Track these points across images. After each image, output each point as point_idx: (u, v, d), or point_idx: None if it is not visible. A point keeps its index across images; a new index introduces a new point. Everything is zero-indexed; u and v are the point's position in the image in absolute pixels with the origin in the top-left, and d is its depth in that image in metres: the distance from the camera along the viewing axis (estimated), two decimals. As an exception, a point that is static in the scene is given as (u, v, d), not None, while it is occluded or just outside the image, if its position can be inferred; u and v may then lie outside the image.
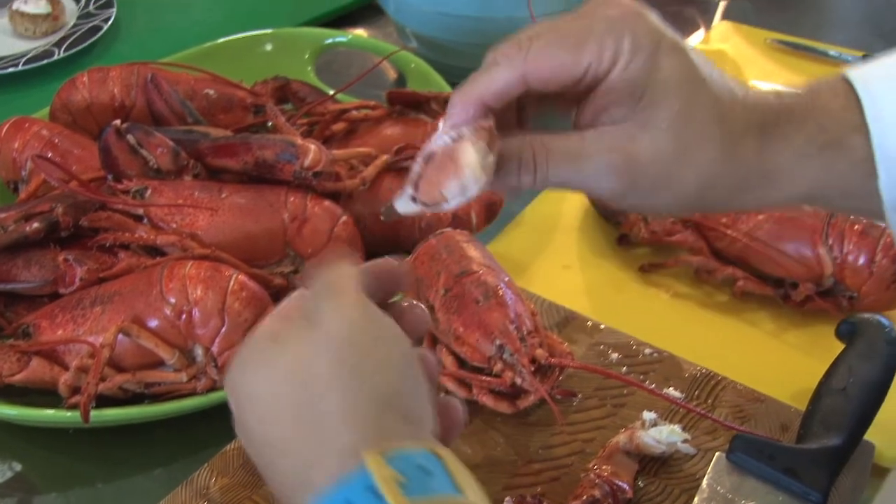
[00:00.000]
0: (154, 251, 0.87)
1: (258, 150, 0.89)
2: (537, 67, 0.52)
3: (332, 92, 1.12)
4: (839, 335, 0.77)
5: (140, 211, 0.88)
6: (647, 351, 0.83)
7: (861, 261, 0.85)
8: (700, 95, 0.53)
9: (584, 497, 0.68)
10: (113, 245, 0.86)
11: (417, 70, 1.17)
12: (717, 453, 0.71)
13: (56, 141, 0.99)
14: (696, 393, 0.79)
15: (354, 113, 1.06)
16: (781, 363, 0.84)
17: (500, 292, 0.79)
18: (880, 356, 0.73)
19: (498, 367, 0.76)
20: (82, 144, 0.99)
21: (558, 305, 0.87)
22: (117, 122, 0.90)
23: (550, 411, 0.75)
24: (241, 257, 0.86)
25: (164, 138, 0.91)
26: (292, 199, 0.89)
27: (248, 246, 0.87)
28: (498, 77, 0.52)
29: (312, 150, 0.89)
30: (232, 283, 0.80)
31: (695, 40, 1.37)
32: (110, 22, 1.33)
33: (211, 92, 1.07)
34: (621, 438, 0.72)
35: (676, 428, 0.73)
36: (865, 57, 1.12)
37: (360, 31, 1.40)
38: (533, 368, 0.75)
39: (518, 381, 0.75)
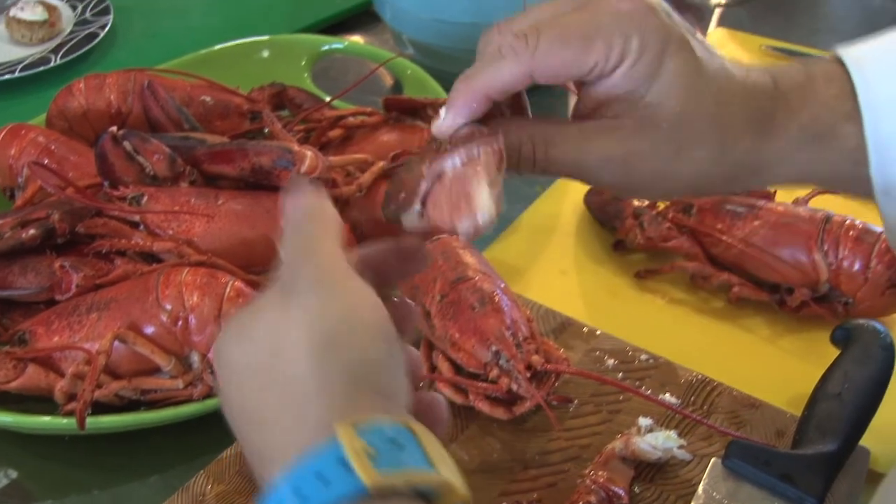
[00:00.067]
0: (150, 258, 0.87)
1: (255, 157, 0.89)
2: (545, 64, 0.51)
3: (328, 98, 1.12)
4: (834, 341, 0.78)
5: (136, 217, 0.88)
6: (643, 357, 0.83)
7: (856, 267, 0.85)
8: (701, 96, 0.53)
9: (581, 503, 0.68)
10: (109, 252, 0.86)
11: (414, 76, 1.17)
12: (712, 459, 0.71)
13: (52, 147, 0.99)
14: (692, 399, 0.79)
15: (351, 119, 1.06)
16: (777, 369, 0.85)
17: (496, 298, 0.79)
18: (875, 362, 0.73)
19: (494, 373, 0.76)
20: (79, 151, 0.99)
21: (554, 311, 0.87)
22: (114, 128, 0.90)
23: (547, 417, 0.75)
24: (237, 264, 0.86)
25: (160, 145, 0.91)
26: (289, 205, 0.89)
27: (244, 252, 0.87)
28: (504, 71, 0.52)
29: (309, 157, 0.89)
30: (228, 289, 0.80)
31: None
32: (107, 28, 1.33)
33: (207, 98, 1.07)
34: (617, 444, 0.73)
35: (672, 434, 0.73)
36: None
37: (357, 38, 1.40)
38: (529, 374, 0.75)
39: (514, 387, 0.75)
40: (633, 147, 0.53)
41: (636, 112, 0.53)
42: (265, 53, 1.23)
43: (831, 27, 1.45)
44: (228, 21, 1.43)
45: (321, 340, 0.43)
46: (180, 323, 0.78)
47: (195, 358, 0.79)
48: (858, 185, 0.56)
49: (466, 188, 0.50)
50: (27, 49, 1.31)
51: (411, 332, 0.52)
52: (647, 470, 0.73)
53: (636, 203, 0.97)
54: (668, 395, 0.79)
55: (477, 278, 0.81)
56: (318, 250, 0.46)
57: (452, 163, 0.50)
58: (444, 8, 1.16)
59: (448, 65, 1.19)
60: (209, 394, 0.80)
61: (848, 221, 0.87)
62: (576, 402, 0.79)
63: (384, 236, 0.51)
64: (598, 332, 0.85)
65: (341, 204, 0.92)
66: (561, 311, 0.87)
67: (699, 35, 0.54)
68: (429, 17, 1.19)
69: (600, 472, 0.71)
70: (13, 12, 1.33)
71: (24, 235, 0.85)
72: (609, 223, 0.98)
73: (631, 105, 0.53)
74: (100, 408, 0.77)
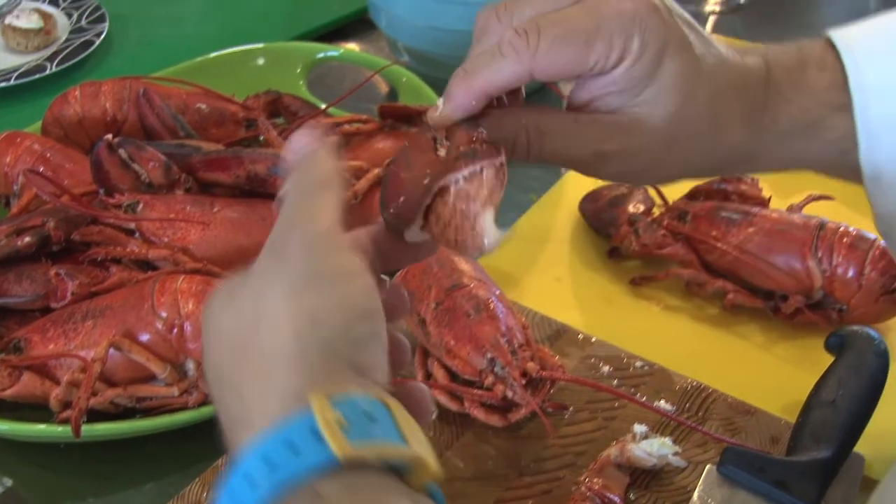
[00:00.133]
0: (146, 265, 0.87)
1: (250, 164, 0.89)
2: (545, 65, 0.51)
3: (323, 106, 1.13)
4: (828, 348, 0.78)
5: (132, 225, 0.88)
6: (638, 364, 0.83)
7: (850, 273, 0.86)
8: (697, 95, 0.54)
9: (576, 510, 0.69)
10: (104, 259, 0.86)
11: (409, 84, 1.17)
12: (707, 466, 0.71)
13: (48, 155, 0.99)
14: (687, 405, 0.79)
15: (346, 127, 1.06)
16: (771, 375, 0.85)
17: (492, 305, 0.79)
18: (869, 368, 0.73)
19: (489, 380, 0.76)
20: (74, 159, 0.99)
21: (549, 318, 0.87)
22: (109, 136, 0.90)
23: (542, 424, 0.75)
24: (233, 271, 0.86)
25: (155, 152, 0.91)
26: (284, 213, 0.89)
27: (239, 260, 0.86)
28: (504, 71, 0.52)
29: (304, 164, 0.89)
30: (223, 297, 0.80)
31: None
32: (102, 36, 1.33)
33: (203, 106, 1.07)
34: (612, 451, 0.73)
35: (667, 441, 0.73)
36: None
37: (352, 46, 1.41)
38: (524, 381, 0.75)
39: (509, 394, 0.75)
40: (626, 143, 0.54)
41: (631, 108, 0.53)
42: (260, 61, 1.23)
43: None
44: (224, 29, 1.43)
45: (304, 313, 0.42)
46: (176, 330, 0.78)
47: (191, 365, 0.79)
48: (844, 172, 0.58)
49: (472, 210, 0.50)
50: (23, 57, 1.31)
51: (401, 317, 0.51)
52: (643, 477, 0.73)
53: (631, 210, 0.97)
54: (663, 401, 0.79)
55: (472, 285, 0.81)
56: (314, 217, 0.45)
57: (456, 179, 0.50)
58: (440, 16, 1.17)
59: (443, 72, 1.18)
60: (204, 401, 0.80)
61: (842, 228, 0.87)
62: (571, 409, 0.79)
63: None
64: (594, 339, 0.85)
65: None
66: (556, 318, 0.87)
67: (698, 27, 0.55)
68: (424, 25, 1.19)
69: (595, 479, 0.71)
70: (9, 20, 1.33)
71: (19, 243, 0.85)
72: (604, 230, 0.99)
73: (627, 101, 0.53)
74: (95, 415, 0.77)
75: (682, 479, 0.73)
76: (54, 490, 0.79)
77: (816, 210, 0.93)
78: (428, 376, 0.80)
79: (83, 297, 0.84)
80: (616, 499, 0.69)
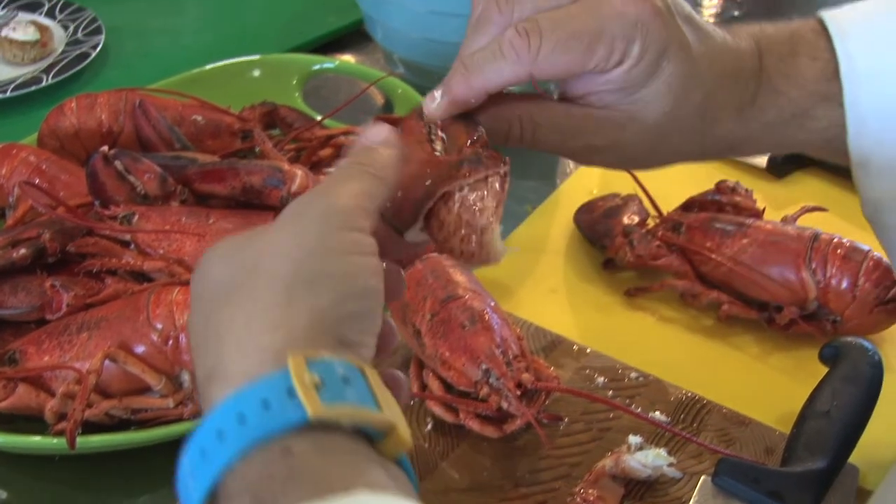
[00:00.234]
0: (141, 277, 0.87)
1: (245, 176, 0.90)
2: (545, 67, 0.52)
3: (319, 117, 1.13)
4: (823, 358, 0.78)
5: (127, 237, 0.88)
6: (633, 375, 0.83)
7: (844, 284, 0.86)
8: (691, 95, 0.54)
9: (571, 521, 0.69)
10: (100, 271, 0.86)
11: (404, 96, 1.17)
12: (702, 477, 0.71)
13: (44, 167, 0.99)
14: (682, 416, 0.79)
15: (342, 138, 1.06)
16: (766, 386, 0.85)
17: (486, 317, 0.79)
18: (863, 379, 0.73)
19: (484, 391, 0.76)
20: (70, 170, 0.99)
21: (544, 330, 0.87)
22: (105, 148, 0.90)
23: (537, 435, 0.75)
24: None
25: (151, 164, 0.91)
26: (279, 224, 0.89)
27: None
28: (505, 72, 0.52)
29: (299, 176, 0.89)
30: (219, 308, 0.80)
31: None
32: (98, 48, 1.33)
33: (199, 118, 1.07)
34: (607, 462, 0.73)
35: (662, 452, 0.73)
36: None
37: (348, 57, 1.41)
38: (519, 393, 0.75)
39: (504, 405, 0.75)
40: (618, 138, 0.55)
41: (625, 106, 0.54)
42: (256, 73, 1.23)
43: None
44: (220, 41, 1.43)
45: (302, 276, 0.42)
46: (171, 342, 0.78)
47: (186, 377, 0.79)
48: (828, 155, 0.60)
49: (478, 222, 0.50)
50: (19, 69, 1.31)
51: (396, 300, 0.51)
52: (637, 488, 0.73)
53: (626, 221, 0.97)
54: (657, 412, 0.79)
55: (467, 297, 0.81)
56: (342, 194, 0.45)
57: (461, 187, 0.50)
58: (435, 28, 1.17)
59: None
60: (200, 413, 0.79)
61: (836, 240, 0.88)
62: (566, 420, 0.79)
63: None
64: (588, 350, 0.85)
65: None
66: (551, 329, 0.88)
67: (696, 19, 0.55)
68: (420, 37, 1.20)
69: (590, 490, 0.71)
70: (5, 32, 1.33)
71: (14, 255, 0.85)
72: (599, 241, 0.99)
73: (621, 98, 0.54)
74: (90, 427, 0.77)
75: (677, 491, 0.73)
76: (49, 502, 0.78)
77: (810, 221, 0.94)
78: (423, 387, 0.80)
79: (78, 308, 0.84)
80: (611, 510, 0.70)
